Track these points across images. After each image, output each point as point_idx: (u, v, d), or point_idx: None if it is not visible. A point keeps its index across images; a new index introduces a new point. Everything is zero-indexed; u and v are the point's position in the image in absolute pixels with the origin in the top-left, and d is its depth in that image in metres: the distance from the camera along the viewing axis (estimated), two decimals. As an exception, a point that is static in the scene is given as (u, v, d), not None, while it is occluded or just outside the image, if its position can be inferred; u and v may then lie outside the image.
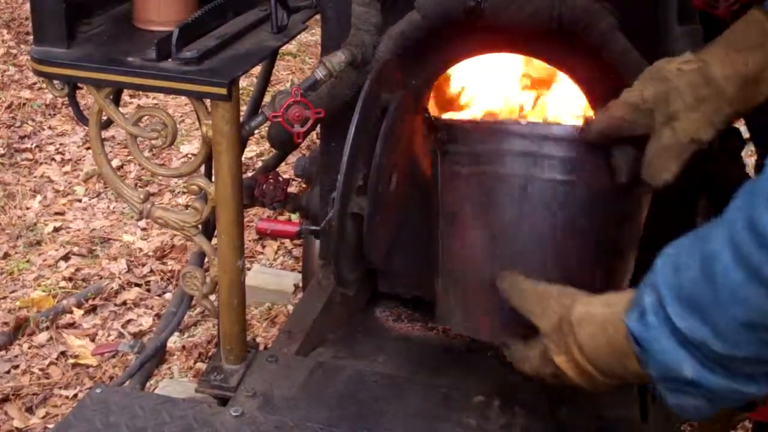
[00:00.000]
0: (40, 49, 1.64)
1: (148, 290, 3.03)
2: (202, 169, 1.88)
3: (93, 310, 2.94)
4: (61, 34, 1.63)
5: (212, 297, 1.79)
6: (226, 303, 1.73)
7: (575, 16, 1.65)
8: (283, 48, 2.00)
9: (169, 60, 1.61)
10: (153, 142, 1.67)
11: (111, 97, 1.67)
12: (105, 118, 1.72)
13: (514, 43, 1.80)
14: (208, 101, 1.61)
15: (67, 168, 3.79)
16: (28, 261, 3.18)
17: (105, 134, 3.54)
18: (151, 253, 3.20)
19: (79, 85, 1.70)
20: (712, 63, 1.24)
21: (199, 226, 1.75)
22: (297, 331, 1.87)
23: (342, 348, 1.91)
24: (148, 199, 1.74)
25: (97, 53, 1.65)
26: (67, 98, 1.71)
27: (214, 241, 1.74)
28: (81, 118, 1.79)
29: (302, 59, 4.83)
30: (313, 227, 1.77)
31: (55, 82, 1.67)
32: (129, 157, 3.63)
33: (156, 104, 4.07)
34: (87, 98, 1.69)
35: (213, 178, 1.68)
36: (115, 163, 3.73)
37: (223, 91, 1.56)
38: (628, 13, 1.68)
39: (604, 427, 1.64)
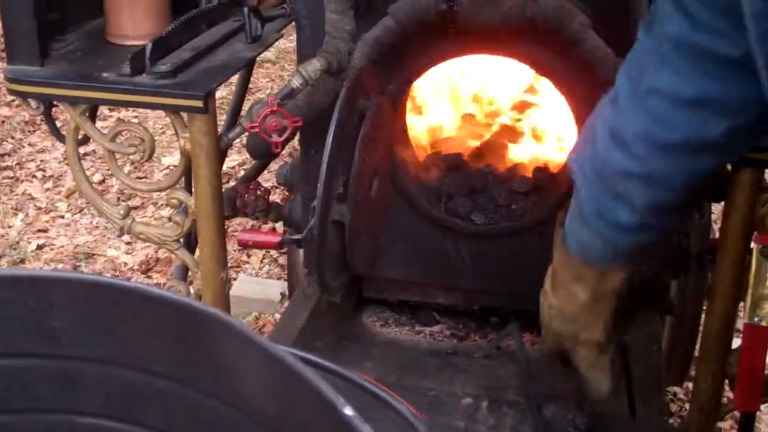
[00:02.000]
0: (13, 68, 1.63)
1: (135, 304, 3.02)
2: (183, 181, 1.88)
3: (79, 326, 2.93)
4: (35, 52, 1.63)
5: (197, 310, 1.78)
6: (211, 315, 1.73)
7: (547, 15, 1.66)
8: (262, 55, 2.00)
9: (144, 74, 1.60)
10: (131, 157, 1.66)
11: (87, 113, 1.66)
12: (82, 134, 1.71)
13: (489, 44, 1.81)
14: (185, 114, 1.61)
15: (49, 184, 3.77)
16: (12, 280, 3.16)
17: (86, 149, 3.55)
18: (136, 267, 3.19)
19: (55, 102, 1.69)
20: (563, 305, 1.40)
21: (181, 240, 1.75)
22: (283, 340, 1.86)
23: (329, 356, 1.89)
24: (129, 214, 1.74)
25: (71, 70, 1.64)
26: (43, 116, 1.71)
27: (199, 253, 1.74)
28: (58, 136, 1.78)
29: (281, 66, 4.82)
30: (295, 237, 1.77)
31: (30, 100, 1.66)
32: (111, 171, 3.60)
33: (136, 116, 4.06)
34: (64, 113, 1.68)
35: (193, 191, 1.68)
36: (97, 177, 3.71)
37: (199, 103, 1.56)
38: (600, 11, 1.69)
39: (592, 424, 1.64)
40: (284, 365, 0.48)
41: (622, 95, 1.21)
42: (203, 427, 0.55)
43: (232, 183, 2.63)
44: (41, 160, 3.95)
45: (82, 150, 1.79)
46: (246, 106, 1.87)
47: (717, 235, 1.74)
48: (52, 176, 3.83)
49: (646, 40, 1.20)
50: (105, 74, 1.62)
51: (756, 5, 0.99)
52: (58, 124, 1.91)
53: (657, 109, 1.16)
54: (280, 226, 2.64)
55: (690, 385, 2.03)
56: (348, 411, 0.45)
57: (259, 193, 1.91)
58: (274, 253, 3.17)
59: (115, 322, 0.58)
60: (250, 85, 2.53)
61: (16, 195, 3.70)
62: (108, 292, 0.59)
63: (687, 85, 1.13)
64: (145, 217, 3.46)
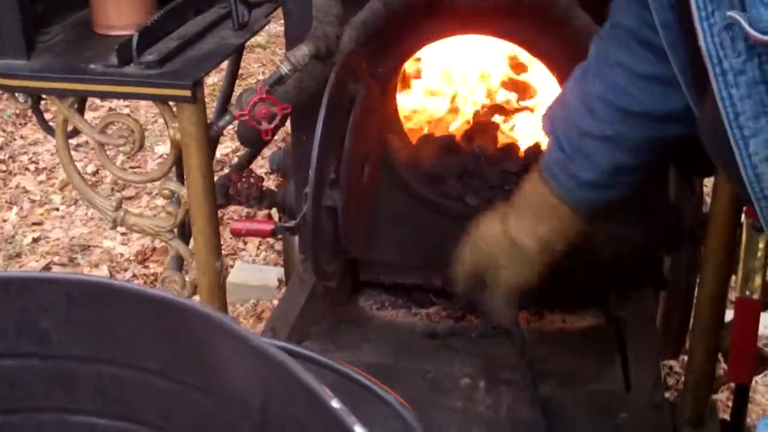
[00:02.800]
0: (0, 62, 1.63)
1: (132, 294, 3.02)
2: (174, 171, 1.87)
3: (78, 318, 2.93)
4: (20, 46, 1.62)
5: (195, 298, 1.79)
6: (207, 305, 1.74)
7: (535, -6, 1.65)
8: (252, 40, 1.99)
9: (131, 65, 1.60)
10: (121, 148, 1.66)
11: (75, 106, 1.66)
12: (72, 126, 1.71)
13: (478, 24, 1.80)
14: (173, 103, 1.60)
15: (42, 177, 3.77)
16: (9, 274, 3.16)
17: (78, 140, 3.54)
18: (132, 258, 3.19)
19: (43, 95, 1.69)
20: (520, 234, 1.41)
21: (175, 230, 1.75)
22: (281, 326, 1.87)
23: (326, 340, 1.92)
24: (121, 206, 1.73)
25: (58, 63, 1.63)
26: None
27: (193, 243, 1.74)
28: (47, 129, 1.78)
29: (272, 50, 4.80)
30: (289, 224, 1.77)
31: (18, 94, 1.66)
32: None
33: (127, 106, 4.04)
34: (53, 106, 1.68)
35: (185, 181, 1.68)
36: (91, 168, 3.71)
37: (187, 92, 1.55)
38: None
39: (588, 400, 1.65)
40: (270, 358, 0.48)
41: (593, 63, 1.31)
42: (194, 423, 0.56)
43: (227, 170, 2.63)
44: (34, 153, 3.94)
45: (74, 141, 1.79)
46: (237, 93, 1.87)
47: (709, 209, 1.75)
48: (45, 168, 3.82)
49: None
50: (92, 65, 1.61)
51: (661, 16, 1.08)
52: (48, 116, 1.91)
53: (621, 80, 1.25)
54: (275, 212, 2.64)
55: (686, 358, 2.04)
56: (335, 404, 0.45)
57: (252, 180, 1.91)
58: (270, 239, 3.17)
59: (107, 322, 0.58)
60: (242, 71, 2.52)
61: (10, 188, 3.69)
62: (99, 292, 0.59)
63: (643, 64, 1.22)
64: (140, 207, 3.45)
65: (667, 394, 1.83)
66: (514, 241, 1.41)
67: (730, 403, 1.90)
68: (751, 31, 0.87)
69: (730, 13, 0.89)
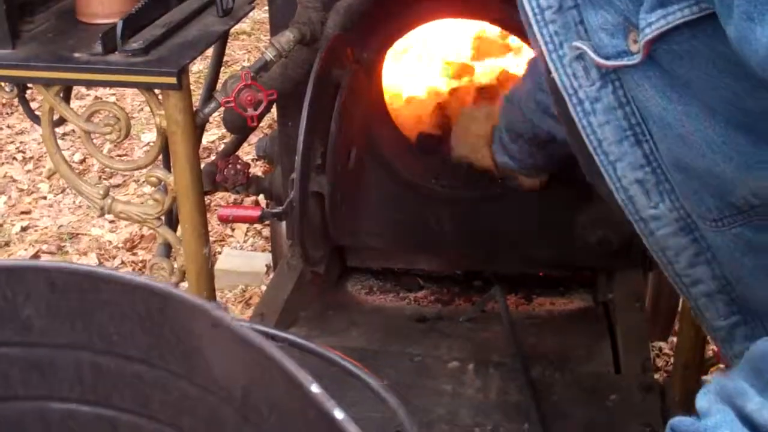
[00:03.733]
0: (-17, 52, 1.62)
1: (121, 282, 3.01)
2: (161, 159, 1.87)
3: (67, 306, 2.93)
4: (5, 35, 1.61)
5: (183, 285, 1.79)
6: (196, 291, 1.74)
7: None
8: (237, 27, 1.98)
9: (116, 53, 1.59)
10: (107, 136, 1.66)
11: (61, 94, 1.65)
12: (58, 115, 1.70)
13: (461, 8, 1.80)
14: (158, 91, 1.60)
15: (30, 166, 3.75)
16: (-3, 263, 3.15)
17: (66, 128, 3.53)
18: (120, 245, 3.18)
19: (28, 84, 1.68)
20: None
21: (162, 217, 1.75)
22: (269, 312, 1.87)
23: (315, 326, 1.92)
24: (108, 194, 1.73)
25: (43, 52, 1.63)
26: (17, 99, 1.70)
27: (181, 230, 1.74)
28: (33, 118, 1.77)
29: (257, 37, 4.78)
30: (276, 210, 1.77)
31: (4, 84, 1.65)
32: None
33: (113, 94, 4.02)
34: (39, 95, 1.67)
35: (171, 168, 1.68)
36: (78, 156, 3.69)
37: (173, 80, 1.55)
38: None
39: (577, 382, 1.66)
40: (250, 344, 0.49)
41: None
42: (175, 409, 0.56)
43: (213, 157, 2.62)
44: (20, 142, 3.92)
45: (61, 130, 1.78)
46: (222, 80, 1.86)
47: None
48: (32, 158, 3.80)
49: None
50: (77, 54, 1.60)
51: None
52: (34, 105, 1.90)
53: (526, 94, 1.61)
54: (262, 198, 2.64)
55: (675, 339, 2.05)
56: (314, 388, 0.46)
57: (238, 167, 1.91)
58: (257, 225, 3.17)
59: (88, 309, 0.58)
60: (227, 58, 2.52)
61: (-2, 177, 3.68)
62: (82, 279, 0.59)
63: (540, 92, 1.53)
64: (127, 194, 3.44)
65: (656, 376, 1.84)
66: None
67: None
68: (596, 58, 0.87)
69: (576, 43, 0.89)
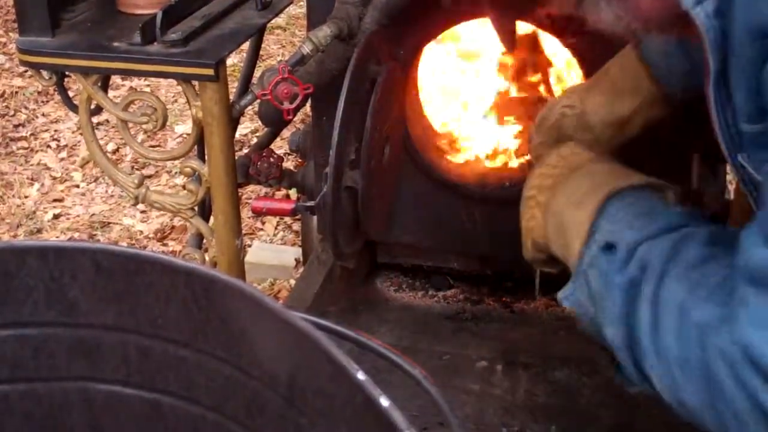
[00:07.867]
0: (25, 39, 1.64)
1: (151, 272, 3.03)
2: (196, 150, 1.88)
3: (97, 295, 2.95)
4: (46, 23, 1.63)
5: (212, 277, 1.80)
6: (227, 282, 1.74)
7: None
8: (272, 22, 1.99)
9: (155, 43, 1.60)
10: (144, 126, 1.67)
11: (99, 83, 1.67)
12: (95, 104, 1.72)
13: (501, 6, 1.79)
14: (196, 82, 1.61)
15: (63, 154, 3.79)
16: (29, 249, 3.18)
17: (99, 118, 3.55)
18: (151, 235, 3.21)
19: (67, 73, 1.70)
20: (591, 111, 1.42)
21: (195, 208, 1.76)
22: (298, 306, 1.88)
23: (343, 321, 1.92)
24: (143, 183, 1.75)
25: (82, 40, 1.64)
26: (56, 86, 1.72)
27: (213, 221, 1.75)
28: (70, 106, 1.79)
29: (292, 32, 4.80)
30: (309, 203, 1.77)
31: (43, 71, 1.67)
32: (124, 141, 3.62)
33: (148, 85, 4.05)
34: (77, 83, 1.69)
35: (206, 159, 1.68)
36: (111, 147, 3.72)
37: (210, 71, 1.56)
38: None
39: (603, 385, 1.65)
40: (297, 331, 0.49)
41: None
42: (219, 393, 0.56)
43: (245, 150, 2.63)
44: (55, 130, 3.96)
45: (95, 120, 1.80)
46: (257, 74, 1.87)
47: (732, 196, 1.74)
48: (66, 146, 3.84)
49: None
50: (116, 44, 1.62)
51: None
52: (71, 94, 1.91)
53: None
54: (294, 192, 2.65)
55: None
56: (360, 375, 0.46)
57: (272, 160, 1.91)
58: (288, 219, 3.18)
59: (134, 291, 0.59)
60: (261, 52, 2.52)
61: (32, 165, 3.72)
62: (127, 261, 0.59)
63: None
64: (159, 185, 3.47)
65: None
66: (587, 125, 1.42)
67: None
68: None
69: None
